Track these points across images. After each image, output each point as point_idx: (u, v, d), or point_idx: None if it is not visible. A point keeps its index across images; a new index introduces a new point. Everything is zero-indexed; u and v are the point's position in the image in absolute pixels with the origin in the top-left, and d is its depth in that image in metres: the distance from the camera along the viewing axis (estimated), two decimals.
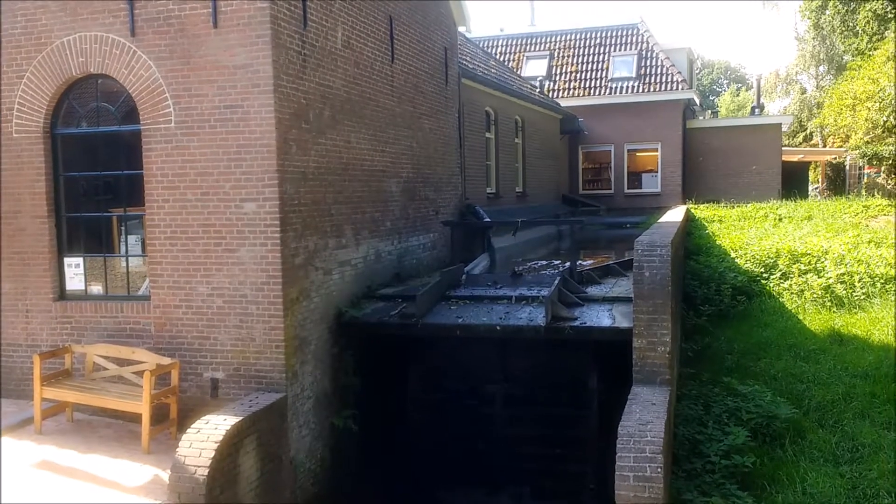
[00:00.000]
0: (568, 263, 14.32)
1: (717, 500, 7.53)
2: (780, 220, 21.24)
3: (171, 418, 9.49)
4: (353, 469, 10.99)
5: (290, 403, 9.49)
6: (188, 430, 8.07)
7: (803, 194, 31.70)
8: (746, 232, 19.30)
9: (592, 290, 12.01)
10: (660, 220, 15.46)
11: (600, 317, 10.50)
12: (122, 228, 10.55)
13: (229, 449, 8.04)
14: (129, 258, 10.44)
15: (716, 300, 14.88)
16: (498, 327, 10.48)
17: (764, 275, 15.86)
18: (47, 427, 9.66)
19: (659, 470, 7.06)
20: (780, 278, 15.55)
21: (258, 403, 8.93)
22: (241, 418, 8.32)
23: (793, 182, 32.46)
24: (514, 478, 11.89)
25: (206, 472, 7.62)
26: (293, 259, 9.65)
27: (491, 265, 16.37)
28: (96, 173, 10.39)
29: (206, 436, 7.92)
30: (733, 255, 17.01)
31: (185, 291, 9.77)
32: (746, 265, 16.25)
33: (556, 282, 11.31)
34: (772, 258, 16.24)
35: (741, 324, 14.07)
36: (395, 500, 11.71)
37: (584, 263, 14.99)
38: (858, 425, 9.67)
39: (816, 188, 41.26)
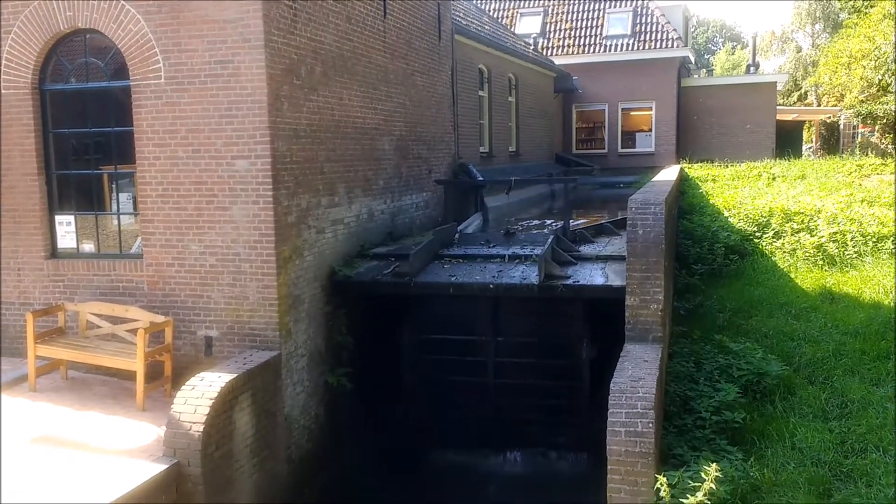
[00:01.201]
0: (561, 223, 14.32)
1: (706, 455, 7.60)
2: (774, 179, 21.22)
3: (166, 376, 9.53)
4: (347, 426, 11.08)
5: (284, 361, 9.53)
6: (183, 387, 8.11)
7: (797, 153, 31.67)
8: (740, 191, 19.29)
9: (585, 249, 12.03)
10: (653, 179, 15.42)
11: (593, 275, 10.52)
12: (114, 186, 10.46)
13: (224, 406, 8.08)
14: (121, 216, 10.38)
15: (708, 259, 14.92)
16: (491, 285, 10.49)
17: (757, 234, 15.88)
18: (42, 384, 9.69)
19: (650, 425, 7.13)
20: (773, 237, 15.58)
21: (252, 361, 8.96)
22: (235, 375, 8.36)
23: (787, 141, 32.39)
24: (506, 435, 12.01)
25: (201, 428, 7.67)
26: (286, 217, 9.61)
27: (484, 224, 16.36)
28: (86, 130, 10.28)
29: (201, 392, 7.96)
30: (726, 214, 17.02)
31: (177, 249, 9.73)
32: (739, 224, 16.27)
33: (550, 240, 11.31)
34: (765, 217, 16.26)
35: (733, 282, 14.12)
36: (389, 456, 11.82)
37: (578, 223, 14.98)
38: (848, 382, 9.76)
39: (810, 147, 41.18)
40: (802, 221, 15.79)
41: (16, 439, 8.17)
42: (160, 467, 7.51)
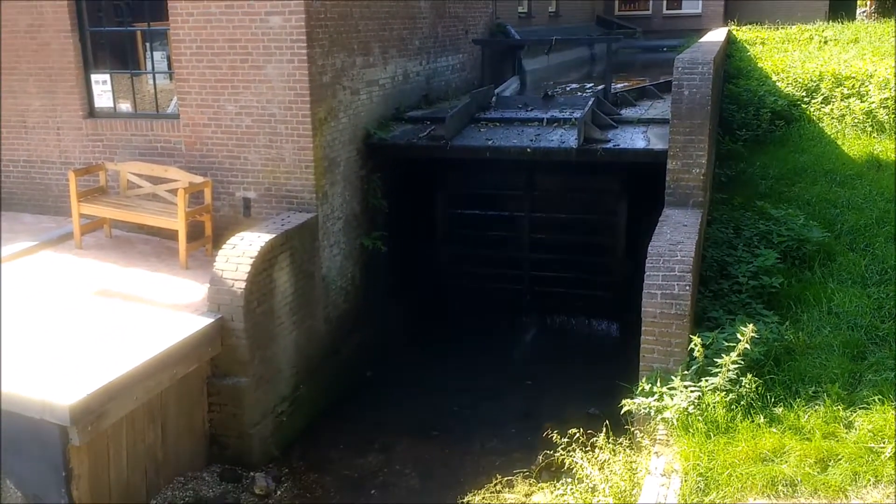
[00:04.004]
0: (602, 86, 13.92)
1: (742, 318, 7.62)
2: (826, 42, 20.24)
3: (207, 235, 9.68)
4: (382, 288, 11.27)
5: (320, 223, 9.60)
6: (224, 246, 8.25)
7: (851, 17, 30.10)
8: (789, 55, 18.46)
9: (627, 113, 11.74)
10: (700, 41, 14.80)
11: (634, 139, 10.30)
12: (147, 45, 10.30)
13: (264, 264, 8.23)
14: (156, 75, 10.28)
15: (753, 125, 14.49)
16: (528, 149, 10.32)
17: (805, 99, 15.32)
18: (87, 242, 9.92)
19: (687, 288, 7.13)
20: (822, 103, 15.02)
21: (290, 222, 9.05)
22: (274, 235, 8.48)
23: (841, 3, 30.73)
24: (540, 301, 12.16)
25: (243, 285, 7.85)
26: (321, 77, 9.42)
27: (522, 87, 15.97)
28: None
29: (242, 251, 8.10)
30: (774, 78, 16.38)
31: (213, 110, 9.66)
32: (787, 89, 15.67)
33: (590, 103, 11.02)
34: (814, 82, 15.62)
35: (778, 149, 13.75)
36: (423, 317, 12.08)
37: (619, 86, 14.54)
38: (889, 249, 9.60)
39: (864, 11, 39.14)
40: (853, 86, 15.16)
41: (72, 291, 8.45)
42: (206, 321, 7.77)
